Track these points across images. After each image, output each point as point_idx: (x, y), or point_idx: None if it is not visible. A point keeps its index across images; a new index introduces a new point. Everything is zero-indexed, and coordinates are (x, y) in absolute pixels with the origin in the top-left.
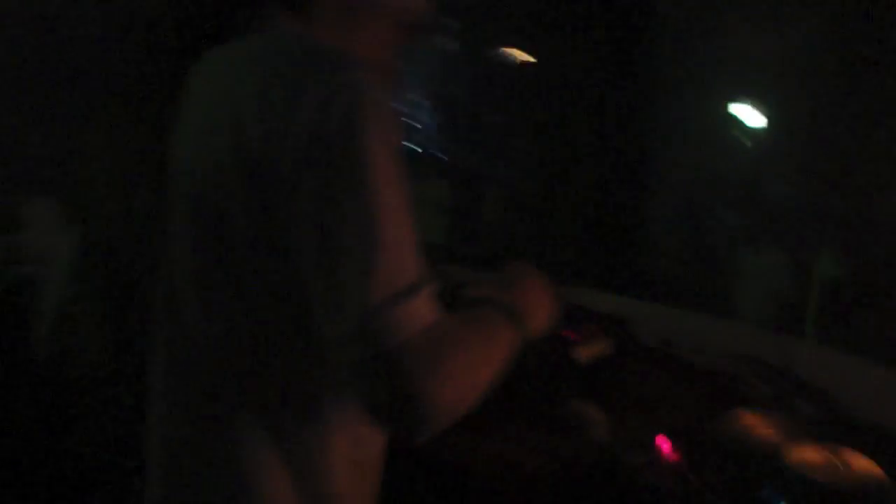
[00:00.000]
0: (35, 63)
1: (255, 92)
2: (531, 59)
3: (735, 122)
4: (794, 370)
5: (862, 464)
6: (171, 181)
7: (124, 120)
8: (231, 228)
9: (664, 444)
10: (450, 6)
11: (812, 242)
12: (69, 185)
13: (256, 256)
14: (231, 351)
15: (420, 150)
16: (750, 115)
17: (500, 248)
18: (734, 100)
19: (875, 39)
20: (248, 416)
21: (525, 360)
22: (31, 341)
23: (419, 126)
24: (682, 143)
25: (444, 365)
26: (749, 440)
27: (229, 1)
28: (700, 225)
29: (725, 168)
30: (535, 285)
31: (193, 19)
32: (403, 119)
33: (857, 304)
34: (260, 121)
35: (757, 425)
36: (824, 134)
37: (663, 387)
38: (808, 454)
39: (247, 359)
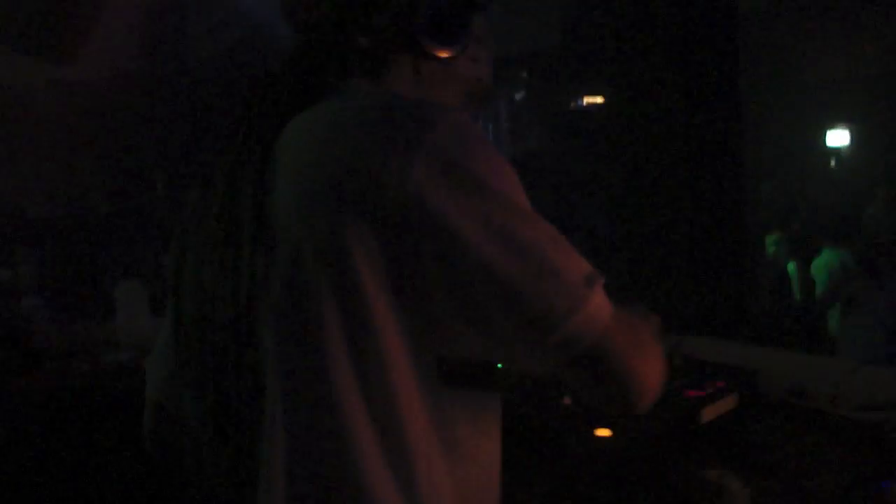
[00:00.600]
0: None
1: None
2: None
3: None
4: None
5: None
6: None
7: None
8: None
9: None
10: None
11: None
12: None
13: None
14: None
15: None
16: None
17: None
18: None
19: None
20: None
21: (649, 425)
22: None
23: None
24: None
25: (640, 344)
26: None
27: (314, 68)
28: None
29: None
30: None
31: (281, 87)
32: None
33: None
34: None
35: None
36: None
37: (804, 446)
38: None
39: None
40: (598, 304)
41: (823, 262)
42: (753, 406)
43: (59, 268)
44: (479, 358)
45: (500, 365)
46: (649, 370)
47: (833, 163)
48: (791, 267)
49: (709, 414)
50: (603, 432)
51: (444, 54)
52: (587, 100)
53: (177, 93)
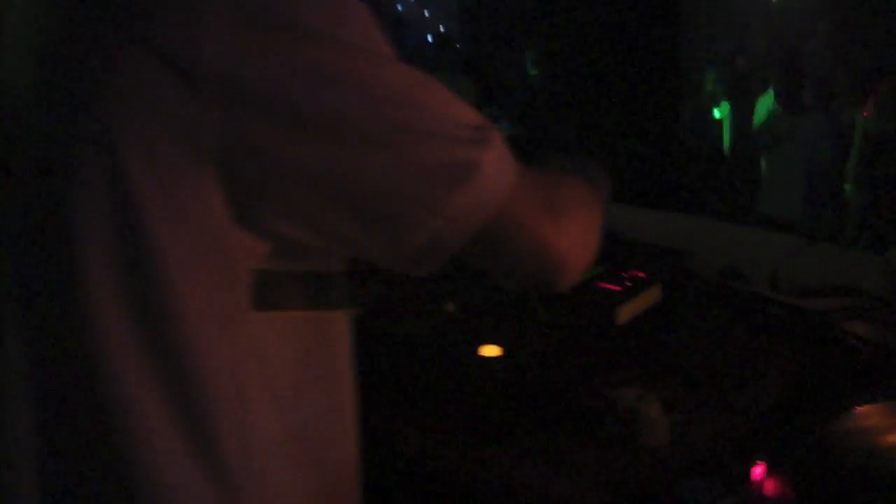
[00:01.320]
0: None
1: None
2: None
3: None
4: None
5: None
6: None
7: None
8: None
9: (760, 473)
10: None
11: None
12: None
13: None
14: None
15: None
16: None
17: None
18: None
19: None
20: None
21: (549, 338)
22: None
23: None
24: None
25: (559, 208)
26: (882, 463)
27: None
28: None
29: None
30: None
31: None
32: None
33: None
34: None
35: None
36: None
37: (737, 347)
38: None
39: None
40: (495, 164)
41: (765, 102)
42: (680, 297)
43: None
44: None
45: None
46: (569, 239)
47: None
48: (724, 108)
49: (625, 313)
50: (490, 351)
51: None
52: None
53: None
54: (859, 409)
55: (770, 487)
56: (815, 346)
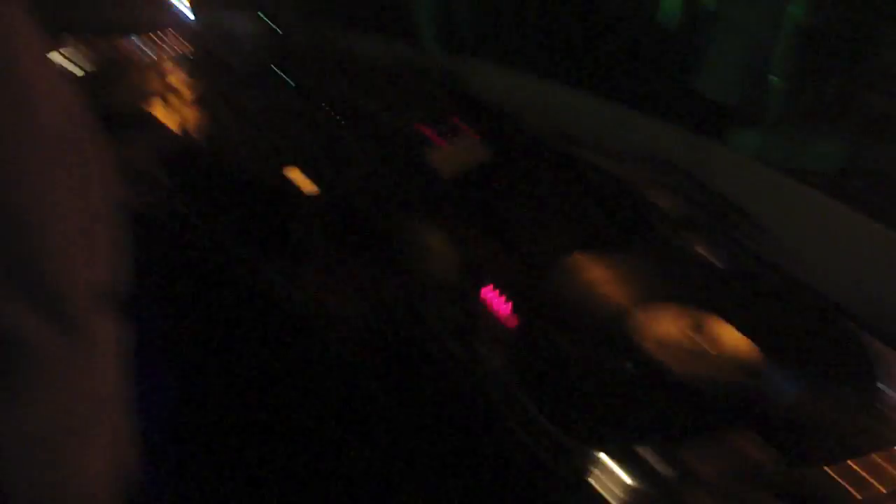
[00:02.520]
0: None
1: None
2: None
3: None
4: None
5: (731, 341)
6: None
7: None
8: None
9: (492, 297)
10: None
11: None
12: None
13: None
14: None
15: None
16: None
17: None
18: None
19: None
20: None
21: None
22: None
23: None
24: None
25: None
26: (590, 299)
27: None
28: None
29: None
30: None
31: None
32: None
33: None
34: None
35: (601, 277)
36: None
37: (542, 205)
38: (663, 326)
39: None
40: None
41: None
42: (508, 159)
43: None
44: None
45: None
46: None
47: None
48: None
49: (448, 164)
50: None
51: None
52: None
53: None
54: (577, 255)
55: (496, 305)
56: (613, 209)
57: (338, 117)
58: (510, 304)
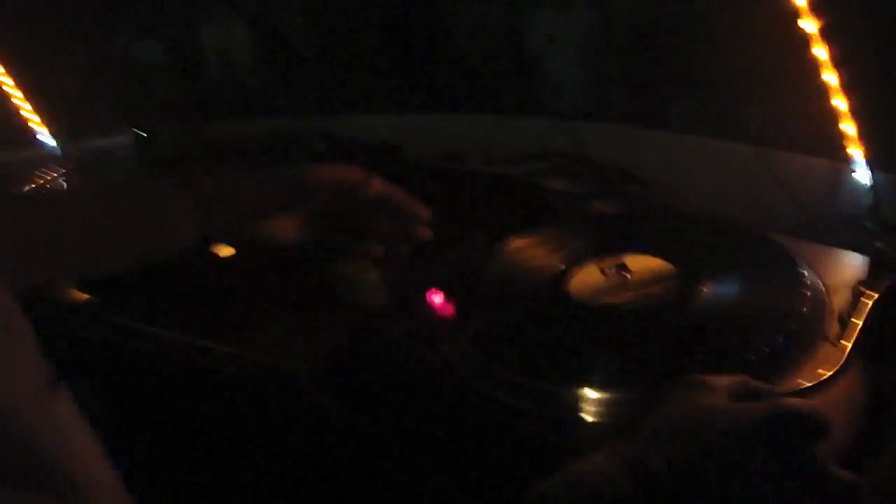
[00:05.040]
0: None
1: None
2: None
3: None
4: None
5: (647, 264)
6: None
7: None
8: None
9: (437, 298)
10: None
11: None
12: None
13: None
14: None
15: None
16: None
17: None
18: None
19: None
20: None
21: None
22: None
23: None
24: None
25: None
26: (526, 272)
27: None
28: None
29: None
30: None
31: None
32: None
33: None
34: None
35: (537, 253)
36: None
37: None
38: (589, 276)
39: None
40: None
41: None
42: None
43: None
44: None
45: None
46: None
47: None
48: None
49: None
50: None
51: None
52: None
53: None
54: (515, 239)
55: (442, 308)
56: (518, 200)
57: None
58: (454, 298)
